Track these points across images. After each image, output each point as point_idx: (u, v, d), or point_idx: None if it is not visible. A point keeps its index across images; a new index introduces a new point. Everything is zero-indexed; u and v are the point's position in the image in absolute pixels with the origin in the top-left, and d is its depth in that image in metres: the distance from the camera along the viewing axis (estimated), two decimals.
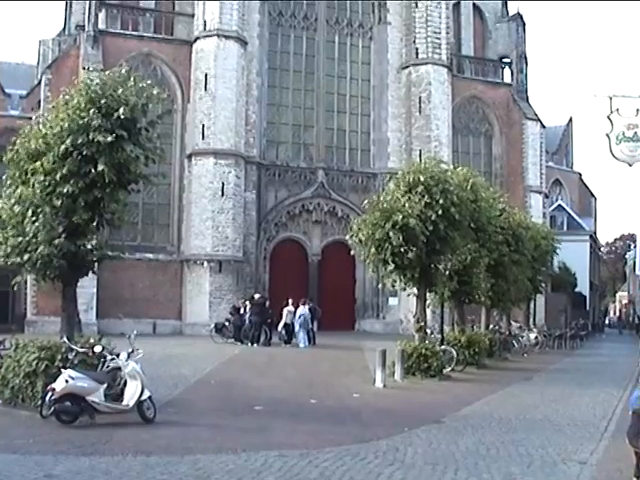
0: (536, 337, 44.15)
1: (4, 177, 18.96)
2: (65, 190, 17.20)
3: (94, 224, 18.35)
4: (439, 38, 54.48)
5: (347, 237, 27.85)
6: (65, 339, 17.83)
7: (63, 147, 17.03)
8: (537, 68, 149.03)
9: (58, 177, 17.21)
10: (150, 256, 48.26)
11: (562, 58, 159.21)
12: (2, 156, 18.77)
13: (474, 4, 61.10)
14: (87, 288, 41.04)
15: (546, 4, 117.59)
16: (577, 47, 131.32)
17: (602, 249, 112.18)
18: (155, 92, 18.46)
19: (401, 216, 24.87)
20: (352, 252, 28.91)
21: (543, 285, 50.30)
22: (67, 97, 18.16)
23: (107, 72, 18.66)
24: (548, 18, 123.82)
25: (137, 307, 45.66)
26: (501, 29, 61.30)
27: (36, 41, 67.49)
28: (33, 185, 17.68)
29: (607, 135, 17.12)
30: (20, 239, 18.28)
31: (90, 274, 20.19)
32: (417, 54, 54.26)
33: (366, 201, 27.75)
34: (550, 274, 53.77)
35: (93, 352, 17.44)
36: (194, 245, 48.06)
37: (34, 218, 18.07)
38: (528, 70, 60.18)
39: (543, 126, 59.88)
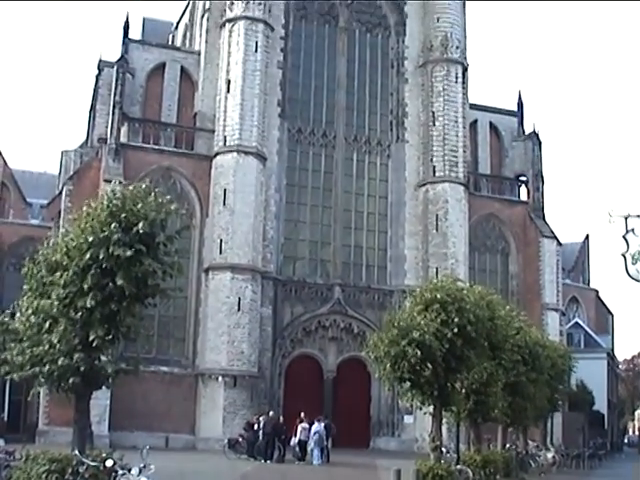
0: (553, 456, 43.30)
1: (23, 288, 19.05)
2: (83, 303, 17.27)
3: (110, 337, 18.33)
4: (456, 156, 55.19)
5: (363, 353, 27.71)
6: (76, 452, 17.59)
7: (83, 260, 17.17)
8: (554, 184, 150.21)
9: (77, 290, 17.30)
10: (165, 369, 48.05)
11: (579, 174, 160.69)
12: (22, 265, 18.94)
13: (490, 122, 61.95)
14: (100, 400, 40.78)
15: (562, 122, 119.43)
16: (594, 164, 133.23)
17: (620, 366, 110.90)
18: (174, 208, 18.69)
19: (418, 333, 24.77)
20: (368, 368, 28.76)
21: (560, 403, 49.62)
22: (88, 210, 18.38)
23: (128, 187, 18.88)
24: (565, 136, 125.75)
25: (150, 420, 45.29)
26: (517, 147, 61.96)
27: (59, 151, 68.98)
28: (51, 297, 17.76)
29: (623, 255, 17.16)
30: (36, 351, 18.24)
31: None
32: (434, 172, 54.90)
33: (386, 317, 27.68)
34: (567, 392, 53.10)
35: (105, 466, 17.15)
36: (209, 359, 47.86)
37: (51, 330, 18.08)
38: (544, 188, 60.60)
39: (560, 243, 59.95)
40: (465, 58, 58.08)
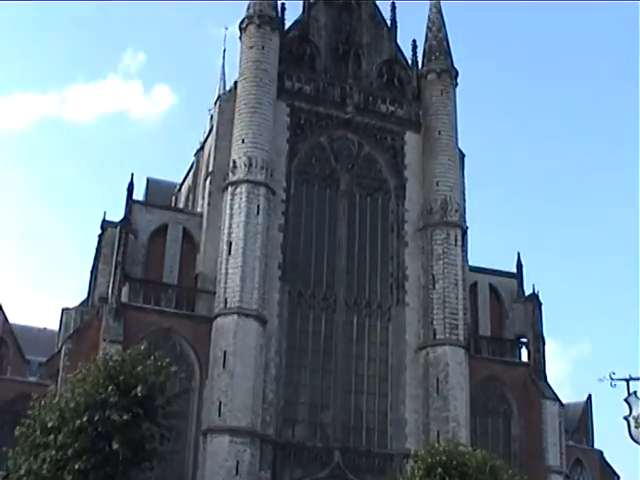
0: None
1: (16, 449, 18.78)
2: (77, 466, 17.01)
3: None
4: (456, 319, 55.22)
5: None
6: None
7: (78, 422, 17.01)
8: (555, 345, 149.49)
9: (70, 453, 17.07)
10: None
11: (579, 334, 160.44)
12: (17, 423, 18.72)
13: (490, 284, 62.11)
14: None
15: (562, 282, 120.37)
16: (593, 324, 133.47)
17: None
18: (173, 370, 18.64)
19: None
20: None
21: None
22: (85, 372, 18.32)
23: (127, 350, 18.88)
24: (565, 295, 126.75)
25: None
26: (518, 309, 61.90)
27: (59, 307, 69.34)
28: (44, 459, 17.50)
29: (625, 418, 16.99)
30: None
31: None
32: (435, 335, 54.80)
33: None
34: None
35: None
36: None
37: None
38: (545, 349, 60.31)
39: (562, 405, 59.24)
40: (464, 221, 58.89)
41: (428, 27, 64.10)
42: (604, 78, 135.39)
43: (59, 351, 52.07)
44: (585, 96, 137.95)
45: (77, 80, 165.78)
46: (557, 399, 58.53)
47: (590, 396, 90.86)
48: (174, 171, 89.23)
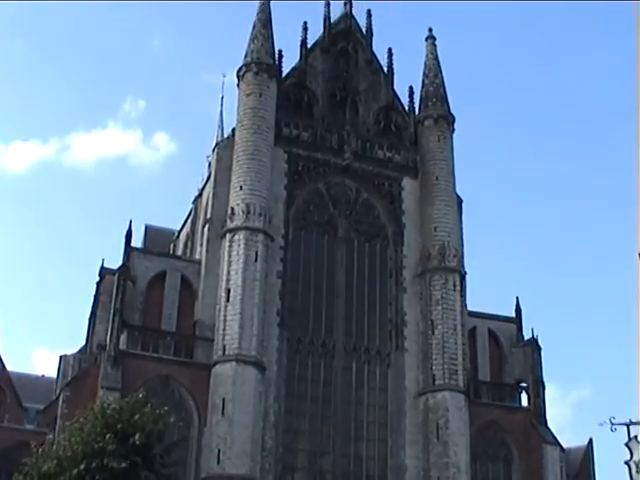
0: None
1: None
2: None
3: None
4: (455, 364, 55.08)
5: None
6: None
7: (76, 471, 16.92)
8: (555, 389, 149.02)
9: None
10: None
11: (579, 379, 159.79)
12: (13, 471, 18.62)
13: (489, 329, 61.99)
14: None
15: (561, 326, 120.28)
16: (593, 370, 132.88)
17: None
18: (172, 420, 18.58)
19: None
20: None
21: None
22: (82, 420, 18.26)
23: (125, 398, 18.83)
24: (564, 341, 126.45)
25: None
26: (517, 353, 61.74)
27: (57, 354, 69.24)
28: None
29: (626, 463, 16.93)
30: None
31: None
32: (434, 380, 54.63)
33: None
34: None
35: None
36: None
37: None
38: (545, 393, 60.08)
39: (563, 449, 58.88)
40: (463, 266, 59.01)
41: (425, 73, 64.78)
42: (602, 124, 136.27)
43: (57, 399, 51.87)
44: (582, 143, 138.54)
45: (78, 128, 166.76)
46: (558, 444, 58.21)
47: (591, 440, 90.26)
48: (172, 218, 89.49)
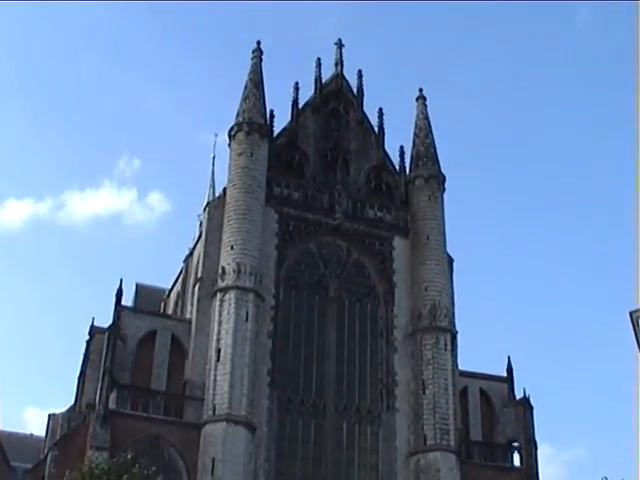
0: None
1: None
2: None
3: None
4: (447, 424, 54.80)
5: None
6: None
7: None
8: (549, 448, 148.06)
9: None
10: None
11: (573, 436, 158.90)
12: None
13: (481, 389, 61.77)
14: None
15: (553, 384, 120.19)
16: (586, 428, 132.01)
17: None
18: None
19: None
20: None
21: None
22: None
23: (114, 458, 18.77)
24: (557, 400, 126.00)
25: None
26: (509, 413, 61.44)
27: (46, 413, 68.81)
28: None
29: None
30: None
31: None
32: (425, 441, 54.31)
33: None
34: None
35: None
36: None
37: None
38: (538, 453, 59.73)
39: None
40: (454, 325, 58.97)
41: (415, 133, 65.39)
42: (597, 176, 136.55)
43: (45, 458, 51.40)
44: (574, 200, 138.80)
45: (72, 186, 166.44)
46: None
47: None
48: (163, 277, 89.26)
